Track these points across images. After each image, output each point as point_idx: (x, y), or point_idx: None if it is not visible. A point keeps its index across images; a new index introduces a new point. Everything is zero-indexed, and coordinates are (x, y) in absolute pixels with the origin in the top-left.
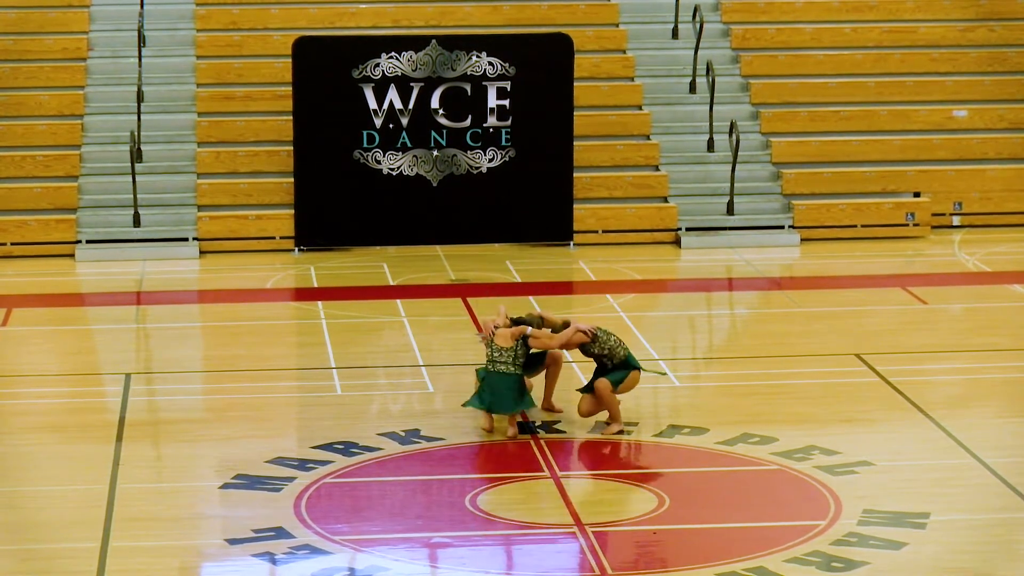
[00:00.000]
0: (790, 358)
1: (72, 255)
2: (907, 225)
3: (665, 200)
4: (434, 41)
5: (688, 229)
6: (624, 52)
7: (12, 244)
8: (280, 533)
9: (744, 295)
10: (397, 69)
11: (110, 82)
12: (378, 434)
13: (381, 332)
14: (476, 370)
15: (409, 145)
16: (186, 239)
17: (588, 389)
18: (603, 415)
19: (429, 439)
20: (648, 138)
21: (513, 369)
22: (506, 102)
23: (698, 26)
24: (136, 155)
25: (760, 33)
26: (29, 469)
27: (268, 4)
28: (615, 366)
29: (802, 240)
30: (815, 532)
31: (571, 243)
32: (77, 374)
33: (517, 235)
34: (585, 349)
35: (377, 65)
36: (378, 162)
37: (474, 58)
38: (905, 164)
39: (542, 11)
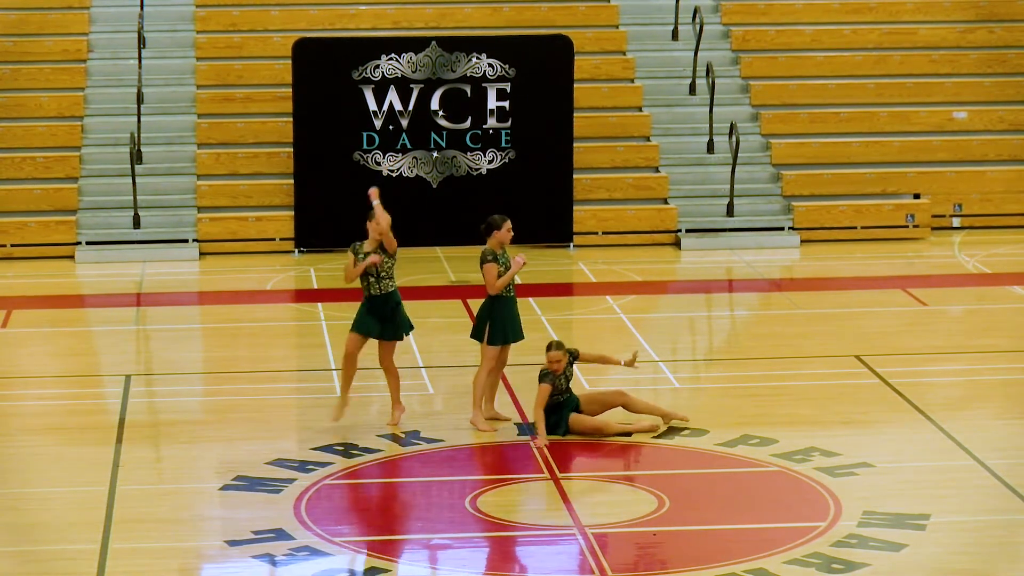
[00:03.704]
0: (790, 360)
1: (72, 257)
2: (907, 227)
3: (665, 202)
4: (434, 43)
5: (688, 231)
6: (624, 54)
7: (12, 246)
8: (280, 535)
9: (744, 297)
10: (397, 71)
11: (110, 84)
12: (378, 435)
13: None
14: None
15: (409, 147)
16: (186, 241)
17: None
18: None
19: (429, 440)
20: (648, 140)
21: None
22: (506, 104)
23: (698, 28)
24: (136, 157)
25: (760, 35)
26: (29, 471)
27: (268, 6)
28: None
29: (802, 242)
30: (815, 534)
31: (571, 244)
32: (77, 375)
33: (517, 236)
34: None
35: (377, 67)
36: (378, 163)
37: (474, 60)
38: (905, 166)
39: (542, 13)
